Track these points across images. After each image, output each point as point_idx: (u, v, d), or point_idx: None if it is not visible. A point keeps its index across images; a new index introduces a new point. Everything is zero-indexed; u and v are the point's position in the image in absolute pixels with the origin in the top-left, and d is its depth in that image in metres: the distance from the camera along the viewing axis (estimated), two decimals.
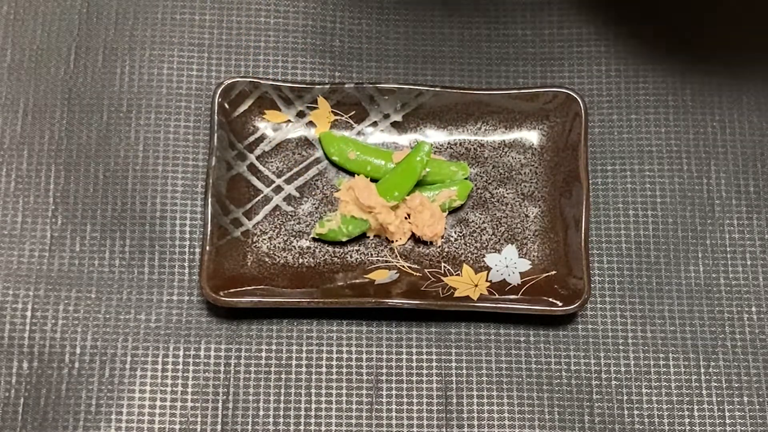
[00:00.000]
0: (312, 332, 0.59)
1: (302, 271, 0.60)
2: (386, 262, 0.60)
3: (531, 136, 0.63)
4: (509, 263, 0.60)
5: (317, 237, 0.60)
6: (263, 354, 0.58)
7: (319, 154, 0.63)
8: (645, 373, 0.58)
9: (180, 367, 0.58)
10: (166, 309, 0.59)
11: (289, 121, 0.62)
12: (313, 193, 0.62)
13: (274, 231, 0.61)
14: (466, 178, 0.62)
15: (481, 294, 0.58)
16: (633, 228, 0.61)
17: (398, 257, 0.60)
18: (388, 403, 0.58)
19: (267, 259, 0.60)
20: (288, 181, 0.62)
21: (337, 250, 0.60)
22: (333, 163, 0.62)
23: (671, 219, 0.62)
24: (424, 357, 0.58)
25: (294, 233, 0.61)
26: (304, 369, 0.58)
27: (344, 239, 0.60)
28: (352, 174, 0.61)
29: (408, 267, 0.60)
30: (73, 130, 0.62)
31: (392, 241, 0.61)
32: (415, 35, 0.65)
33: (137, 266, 0.60)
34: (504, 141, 0.63)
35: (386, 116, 0.63)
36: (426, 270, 0.60)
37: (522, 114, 0.62)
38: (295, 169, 0.62)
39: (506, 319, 0.59)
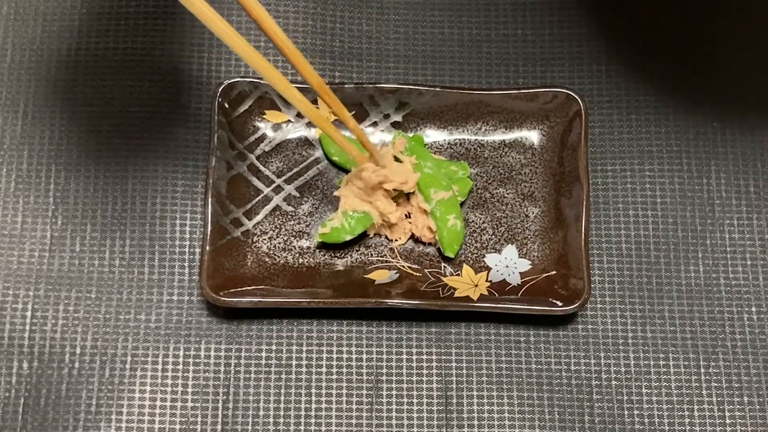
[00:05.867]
0: (312, 332, 0.59)
1: (302, 271, 0.60)
2: (386, 262, 0.60)
3: (531, 136, 0.63)
4: (509, 263, 0.60)
5: (321, 241, 0.60)
6: (263, 354, 0.58)
7: (319, 154, 0.62)
8: (645, 373, 0.58)
9: (180, 367, 0.58)
10: (166, 309, 0.59)
11: (289, 121, 0.62)
12: (313, 193, 0.62)
13: (274, 231, 0.61)
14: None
15: (481, 294, 0.58)
16: (633, 228, 0.61)
17: (398, 257, 0.60)
18: (388, 403, 0.58)
19: (267, 259, 0.60)
20: (288, 181, 0.62)
21: (337, 250, 0.60)
22: (333, 163, 0.62)
23: (671, 219, 0.62)
24: (424, 357, 0.58)
25: (294, 233, 0.61)
26: (304, 369, 0.58)
27: (348, 238, 0.59)
28: None
29: (408, 267, 0.60)
30: (73, 130, 0.62)
31: (392, 240, 0.61)
32: (415, 36, 0.65)
33: (137, 266, 0.60)
34: (504, 141, 0.63)
35: (386, 116, 0.62)
36: (426, 270, 0.60)
37: (522, 114, 0.62)
38: (295, 169, 0.62)
39: (506, 319, 0.59)
